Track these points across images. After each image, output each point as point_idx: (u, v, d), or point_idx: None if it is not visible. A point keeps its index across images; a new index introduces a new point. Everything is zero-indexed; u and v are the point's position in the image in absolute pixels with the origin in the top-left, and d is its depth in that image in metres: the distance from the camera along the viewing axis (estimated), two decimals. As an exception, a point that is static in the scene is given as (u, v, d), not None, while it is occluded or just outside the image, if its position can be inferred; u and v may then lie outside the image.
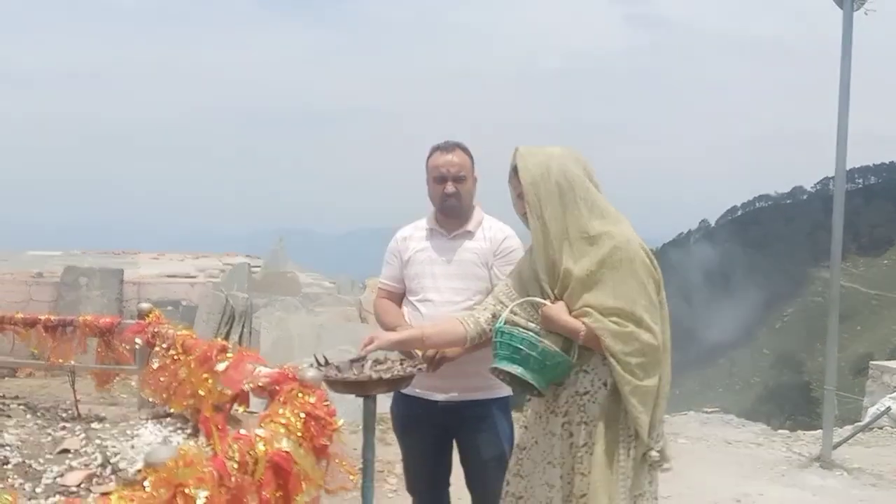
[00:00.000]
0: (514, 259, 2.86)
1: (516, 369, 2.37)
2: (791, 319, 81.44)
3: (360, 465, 2.63)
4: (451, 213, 2.94)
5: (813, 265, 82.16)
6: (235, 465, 1.83)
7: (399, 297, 3.05)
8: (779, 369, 61.98)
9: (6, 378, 7.43)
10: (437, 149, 2.92)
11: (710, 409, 10.87)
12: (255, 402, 3.09)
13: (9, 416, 3.91)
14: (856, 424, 7.33)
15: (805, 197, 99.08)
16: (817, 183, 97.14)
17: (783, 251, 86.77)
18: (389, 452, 5.11)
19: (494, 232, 2.95)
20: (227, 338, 8.29)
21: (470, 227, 2.95)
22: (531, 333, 2.37)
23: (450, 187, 2.87)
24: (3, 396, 4.55)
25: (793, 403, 45.44)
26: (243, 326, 8.76)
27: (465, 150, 2.92)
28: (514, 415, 3.07)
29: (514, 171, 2.49)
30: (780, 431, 7.43)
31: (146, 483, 1.58)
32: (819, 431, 6.43)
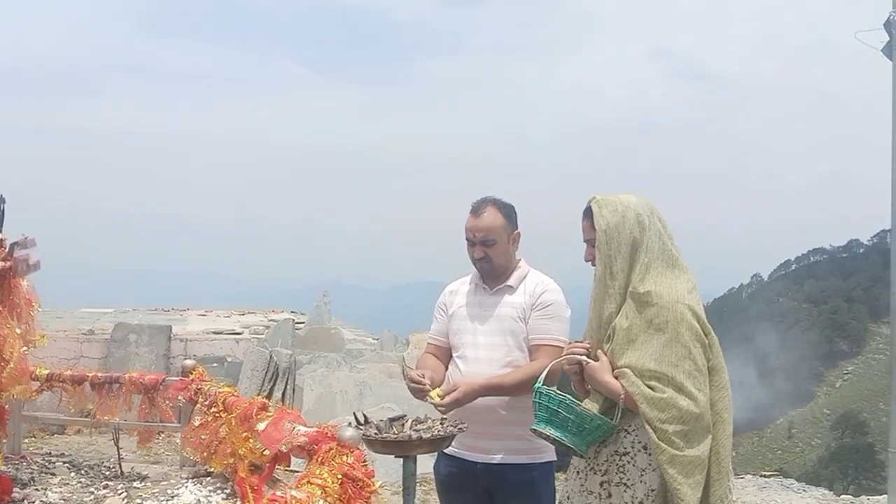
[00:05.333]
0: (551, 312, 2.83)
1: (554, 433, 2.30)
2: (852, 378, 78.36)
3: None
4: (484, 274, 2.93)
5: (873, 321, 79.36)
6: (269, 529, 1.79)
7: (446, 353, 3.00)
8: (840, 430, 59.41)
9: (55, 435, 7.51)
10: (471, 210, 2.88)
11: (768, 473, 10.41)
12: (297, 461, 3.05)
13: (53, 475, 3.93)
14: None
15: (862, 251, 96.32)
16: (874, 236, 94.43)
17: (841, 307, 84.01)
18: (431, 515, 4.98)
19: (535, 286, 2.89)
20: (270, 394, 8.30)
21: (511, 282, 2.90)
22: (568, 396, 2.32)
23: (478, 252, 2.85)
24: (50, 454, 4.60)
25: (856, 466, 43.40)
26: (286, 383, 8.77)
27: (499, 208, 2.86)
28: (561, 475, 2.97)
29: (588, 217, 2.46)
30: (843, 496, 7.08)
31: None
32: (884, 497, 6.10)
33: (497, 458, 2.80)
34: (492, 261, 2.85)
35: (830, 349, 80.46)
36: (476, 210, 2.85)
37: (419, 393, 2.70)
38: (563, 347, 2.74)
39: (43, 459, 4.27)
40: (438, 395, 2.65)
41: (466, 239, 2.88)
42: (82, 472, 4.03)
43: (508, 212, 2.88)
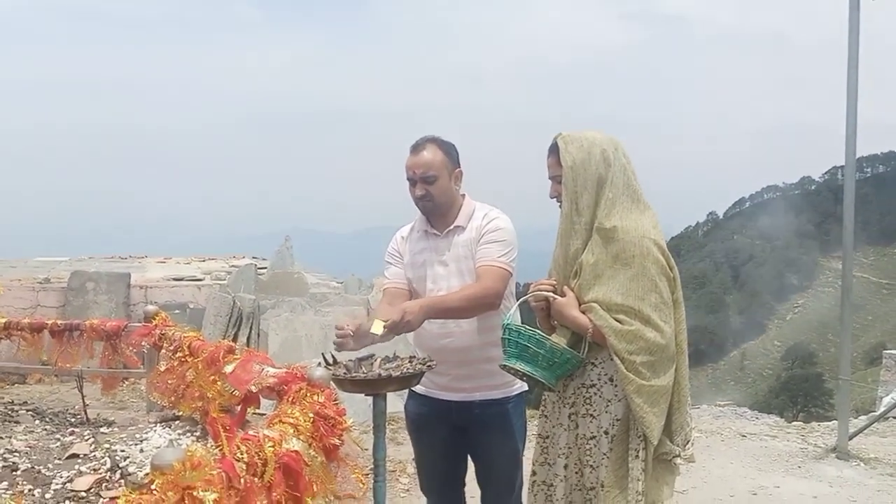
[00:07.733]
0: (494, 237, 2.75)
1: (524, 367, 2.33)
2: (802, 310, 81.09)
3: (371, 466, 2.59)
4: (427, 214, 2.85)
5: (823, 255, 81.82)
6: (244, 467, 1.80)
7: (407, 297, 2.88)
8: (791, 361, 61.71)
9: (16, 385, 7.42)
10: (410, 149, 2.79)
11: (722, 403, 10.81)
12: (266, 404, 3.06)
13: (17, 423, 3.88)
14: (871, 414, 7.25)
15: (813, 187, 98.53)
16: (825, 173, 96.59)
17: (793, 242, 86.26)
18: (401, 452, 5.08)
19: (481, 219, 2.82)
20: (234, 340, 8.27)
21: (460, 221, 2.83)
22: (538, 332, 2.34)
23: (419, 189, 2.76)
24: (12, 403, 4.53)
25: (806, 395, 45.23)
26: (251, 328, 8.74)
27: (439, 145, 2.77)
28: (529, 411, 3.03)
29: (554, 154, 2.44)
30: (794, 423, 7.37)
31: (154, 486, 1.55)
32: (833, 422, 6.36)
33: (476, 396, 2.81)
34: (433, 198, 2.77)
35: (781, 283, 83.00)
36: (415, 147, 2.78)
37: (341, 342, 2.57)
38: (506, 270, 2.71)
39: (5, 408, 4.21)
40: (383, 324, 2.49)
41: (407, 178, 2.79)
42: (47, 419, 3.99)
43: (448, 149, 2.79)
